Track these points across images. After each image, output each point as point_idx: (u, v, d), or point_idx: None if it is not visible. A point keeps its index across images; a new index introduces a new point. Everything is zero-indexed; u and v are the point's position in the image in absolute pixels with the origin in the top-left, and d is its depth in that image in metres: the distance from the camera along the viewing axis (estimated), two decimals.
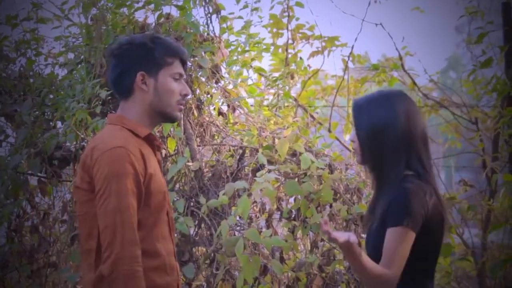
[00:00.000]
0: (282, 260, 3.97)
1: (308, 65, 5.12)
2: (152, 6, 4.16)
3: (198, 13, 4.39)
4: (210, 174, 4.08)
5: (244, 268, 3.52)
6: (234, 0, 4.44)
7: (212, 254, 3.87)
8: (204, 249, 4.00)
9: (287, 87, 4.67)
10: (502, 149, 5.05)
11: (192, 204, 3.98)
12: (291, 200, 4.05)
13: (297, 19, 5.08)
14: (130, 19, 4.17)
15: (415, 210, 2.50)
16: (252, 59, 4.44)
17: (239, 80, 4.29)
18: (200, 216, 3.92)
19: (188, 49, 3.96)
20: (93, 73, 4.07)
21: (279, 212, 4.08)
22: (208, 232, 3.98)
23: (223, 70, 4.29)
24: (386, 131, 2.59)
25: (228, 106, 4.30)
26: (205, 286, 3.98)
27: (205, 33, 4.25)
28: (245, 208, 3.56)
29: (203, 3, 4.31)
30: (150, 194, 2.53)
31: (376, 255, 2.53)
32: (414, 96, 5.57)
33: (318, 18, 5.19)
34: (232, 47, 4.35)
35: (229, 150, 4.16)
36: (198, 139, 4.14)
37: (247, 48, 4.36)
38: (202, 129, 4.16)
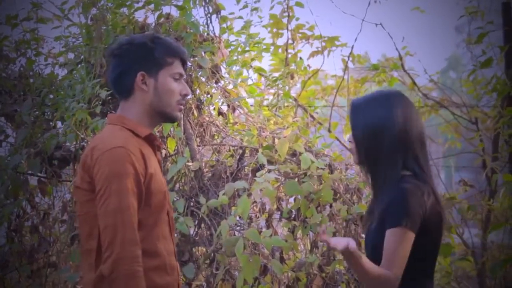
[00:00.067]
0: (282, 260, 3.97)
1: (308, 65, 5.12)
2: (152, 6, 4.16)
3: (198, 13, 4.40)
4: (210, 174, 4.08)
5: (244, 268, 3.52)
6: (234, 0, 4.44)
7: (212, 254, 3.87)
8: (204, 249, 4.00)
9: (287, 87, 4.67)
10: (502, 149, 5.05)
11: (192, 204, 3.98)
12: (291, 200, 4.05)
13: (297, 19, 5.08)
14: (130, 19, 4.17)
15: (413, 210, 2.50)
16: (252, 59, 4.44)
17: (239, 80, 4.29)
18: (200, 216, 3.92)
19: (188, 49, 3.96)
20: (93, 73, 4.07)
21: (279, 212, 4.08)
22: (208, 232, 3.98)
23: (223, 70, 4.29)
24: (383, 132, 2.59)
25: (228, 106, 4.30)
26: (205, 286, 3.98)
27: (205, 33, 4.25)
28: (245, 208, 3.56)
29: (203, 3, 4.31)
30: (150, 194, 2.53)
31: (375, 255, 2.53)
32: (414, 96, 5.57)
33: (318, 18, 5.19)
34: (232, 47, 4.35)
35: (229, 150, 4.16)
36: (198, 139, 4.14)
37: (247, 48, 4.36)
38: (202, 129, 4.16)
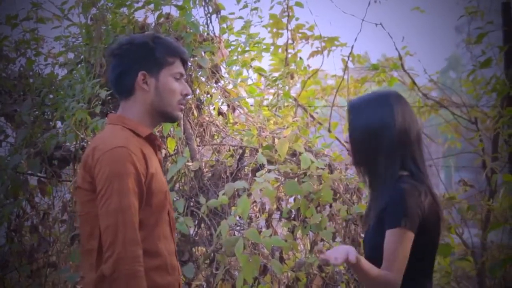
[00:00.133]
0: (281, 260, 3.97)
1: (308, 65, 5.12)
2: (152, 6, 4.16)
3: (198, 13, 4.41)
4: (210, 174, 4.08)
5: (244, 268, 3.52)
6: (234, 0, 4.44)
7: (212, 254, 3.87)
8: (204, 249, 4.00)
9: (286, 87, 4.67)
10: (501, 149, 5.05)
11: (192, 204, 3.98)
12: (291, 200, 4.05)
13: (297, 19, 5.08)
14: (130, 19, 4.16)
15: (411, 210, 2.51)
16: (252, 59, 4.44)
17: (239, 80, 4.29)
18: (200, 216, 3.92)
19: (188, 49, 3.96)
20: (93, 73, 4.07)
21: (278, 212, 4.08)
22: (208, 232, 3.98)
23: (223, 70, 4.29)
24: (383, 132, 2.60)
25: (228, 106, 4.30)
26: (204, 286, 3.98)
27: (205, 33, 4.25)
28: (244, 208, 3.57)
29: (203, 3, 4.31)
30: (151, 193, 2.53)
31: (373, 255, 2.53)
32: (414, 96, 5.57)
33: (318, 18, 5.19)
34: (232, 47, 4.35)
35: (229, 150, 4.16)
36: (198, 139, 4.14)
37: (247, 48, 4.36)
38: (202, 129, 4.16)
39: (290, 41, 5.08)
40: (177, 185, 4.06)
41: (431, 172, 5.29)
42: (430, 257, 2.63)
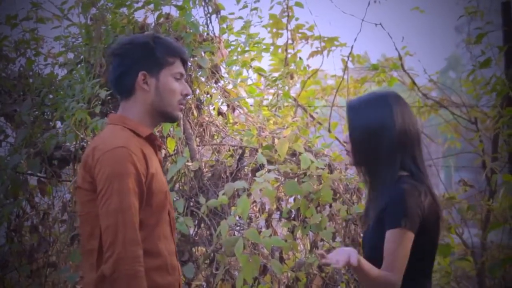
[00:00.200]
0: (281, 260, 3.97)
1: (308, 65, 5.12)
2: (151, 6, 4.16)
3: (198, 13, 4.39)
4: (209, 174, 4.07)
5: (244, 268, 3.52)
6: (234, 0, 4.44)
7: (212, 254, 3.87)
8: (204, 249, 4.00)
9: (286, 87, 4.67)
10: (501, 149, 5.05)
11: (191, 204, 3.97)
12: (291, 200, 4.05)
13: (297, 19, 5.09)
14: (129, 19, 4.16)
15: (411, 211, 2.51)
16: (252, 59, 4.44)
17: (239, 80, 4.29)
18: (200, 216, 3.92)
19: (187, 49, 3.96)
20: (92, 73, 4.07)
21: (278, 212, 4.08)
22: (208, 232, 3.98)
23: (223, 70, 4.29)
24: (381, 132, 2.60)
25: (228, 106, 4.30)
26: (204, 286, 3.98)
27: (205, 33, 4.25)
28: (244, 208, 3.56)
29: (203, 3, 4.31)
30: (151, 194, 2.53)
31: (373, 255, 2.53)
32: (414, 96, 5.57)
33: (318, 18, 5.20)
34: (232, 47, 4.34)
35: (229, 150, 4.16)
36: (197, 139, 4.14)
37: (246, 48, 4.36)
38: (201, 129, 4.16)
39: (290, 41, 5.08)
40: (177, 185, 4.06)
41: (431, 172, 5.29)
42: (429, 257, 2.63)
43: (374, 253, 2.55)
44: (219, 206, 3.86)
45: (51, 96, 4.31)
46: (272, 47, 5.05)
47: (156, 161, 2.62)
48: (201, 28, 4.16)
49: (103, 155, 2.48)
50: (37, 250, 4.24)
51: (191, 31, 4.07)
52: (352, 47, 5.18)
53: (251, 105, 4.36)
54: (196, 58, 4.08)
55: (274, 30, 5.17)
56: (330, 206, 4.00)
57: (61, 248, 4.21)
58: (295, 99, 4.85)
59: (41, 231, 4.26)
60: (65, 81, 4.19)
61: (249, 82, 4.46)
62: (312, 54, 5.24)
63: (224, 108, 4.31)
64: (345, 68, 5.21)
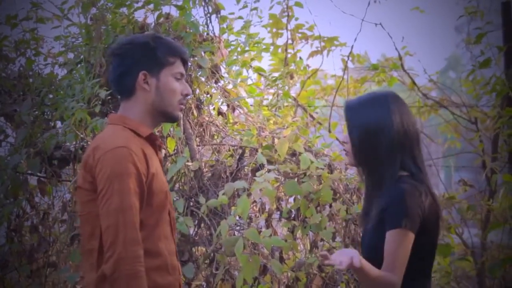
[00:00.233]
0: (281, 260, 3.97)
1: (307, 65, 5.12)
2: (151, 6, 4.16)
3: (198, 13, 4.41)
4: (209, 174, 4.07)
5: (244, 268, 3.52)
6: (234, 0, 4.44)
7: (212, 254, 3.87)
8: (204, 249, 4.00)
9: (286, 87, 4.67)
10: (501, 149, 5.05)
11: (191, 204, 3.97)
12: (291, 200, 4.05)
13: (297, 19, 5.08)
14: (129, 19, 4.16)
15: (412, 211, 2.51)
16: (252, 59, 4.44)
17: (239, 80, 4.29)
18: (200, 216, 3.92)
19: (187, 49, 3.96)
20: (92, 73, 4.07)
21: (278, 212, 4.08)
22: (208, 232, 3.98)
23: (223, 70, 4.29)
24: (381, 132, 2.60)
25: (228, 106, 4.30)
26: (204, 286, 3.98)
27: (205, 33, 4.25)
28: (244, 208, 3.56)
29: (203, 3, 4.31)
30: (152, 193, 2.53)
31: (372, 256, 2.53)
32: (414, 96, 5.57)
33: (318, 18, 5.21)
34: (232, 47, 4.35)
35: (229, 150, 4.16)
36: (197, 139, 4.14)
37: (246, 48, 4.36)
38: (201, 129, 4.15)
39: (289, 41, 5.08)
40: (177, 185, 4.06)
41: (431, 172, 5.29)
42: (429, 257, 2.63)
43: (373, 253, 2.55)
44: (219, 206, 3.86)
45: (51, 96, 4.31)
46: (272, 47, 5.05)
47: (157, 161, 2.62)
48: (201, 28, 4.16)
49: (104, 155, 2.48)
50: (37, 250, 4.24)
51: (191, 31, 4.07)
52: (352, 47, 5.19)
53: (251, 105, 4.36)
54: (196, 58, 4.08)
55: (274, 30, 5.17)
56: (330, 206, 4.00)
57: (61, 248, 4.21)
58: (295, 99, 4.85)
59: (41, 231, 4.26)
60: (65, 81, 4.20)
61: (249, 82, 4.46)
62: (312, 54, 5.24)
63: (224, 108, 4.31)
64: (345, 68, 5.20)
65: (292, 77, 4.91)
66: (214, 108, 4.27)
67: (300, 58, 5.09)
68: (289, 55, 5.04)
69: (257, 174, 3.75)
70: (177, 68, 2.64)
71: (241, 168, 4.06)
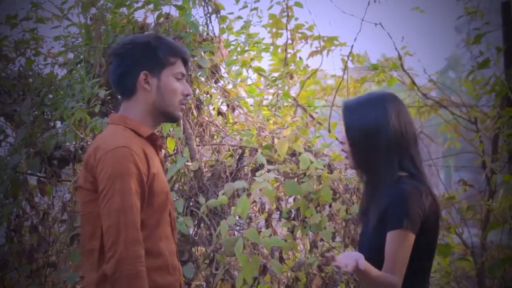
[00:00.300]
0: (281, 260, 3.97)
1: (307, 65, 5.12)
2: (151, 6, 4.16)
3: (198, 13, 4.40)
4: (209, 174, 4.07)
5: (244, 268, 3.52)
6: (234, 0, 4.44)
7: (212, 254, 3.87)
8: (204, 249, 4.00)
9: (286, 87, 4.67)
10: (501, 149, 5.05)
11: (191, 204, 3.97)
12: (291, 200, 4.05)
13: (296, 19, 5.08)
14: (129, 19, 4.16)
15: (413, 211, 2.51)
16: (252, 59, 4.44)
17: (239, 80, 4.29)
18: (200, 216, 3.92)
19: (187, 49, 3.96)
20: (92, 73, 4.07)
21: (278, 212, 4.08)
22: (208, 232, 3.98)
23: (223, 70, 4.29)
24: (379, 133, 2.60)
25: (228, 106, 4.30)
26: (204, 286, 3.98)
27: (205, 33, 4.25)
28: (244, 208, 3.56)
29: (203, 3, 4.31)
30: (153, 194, 2.53)
31: (372, 256, 2.53)
32: (414, 96, 5.57)
33: (318, 17, 5.21)
34: (232, 47, 4.35)
35: (229, 150, 4.16)
36: (197, 139, 4.14)
37: (246, 48, 4.36)
38: (201, 129, 4.15)
39: (289, 41, 5.08)
40: (176, 185, 4.06)
41: (431, 172, 5.29)
42: (429, 257, 2.63)
43: (373, 253, 2.54)
44: (219, 206, 3.86)
45: (50, 96, 4.31)
46: (271, 47, 5.05)
47: (158, 161, 2.62)
48: (201, 28, 4.17)
49: (105, 155, 2.48)
50: (37, 250, 4.24)
51: (191, 31, 4.07)
52: (352, 47, 5.18)
53: (251, 105, 4.36)
54: (196, 58, 4.08)
55: (274, 30, 5.17)
56: (330, 206, 4.00)
57: (61, 248, 4.21)
58: (295, 99, 4.85)
59: (41, 231, 4.26)
60: (65, 81, 4.20)
61: (249, 82, 4.46)
62: (311, 54, 5.24)
63: (224, 108, 4.31)
64: (345, 68, 5.20)
65: (292, 77, 4.91)
66: (214, 108, 4.27)
67: (300, 58, 5.09)
68: (289, 55, 5.04)
69: (257, 174, 3.75)
70: (178, 68, 2.64)
71: (241, 168, 4.06)
